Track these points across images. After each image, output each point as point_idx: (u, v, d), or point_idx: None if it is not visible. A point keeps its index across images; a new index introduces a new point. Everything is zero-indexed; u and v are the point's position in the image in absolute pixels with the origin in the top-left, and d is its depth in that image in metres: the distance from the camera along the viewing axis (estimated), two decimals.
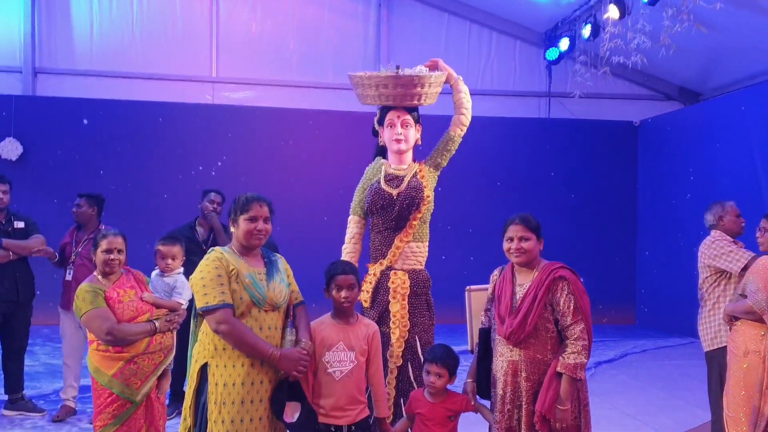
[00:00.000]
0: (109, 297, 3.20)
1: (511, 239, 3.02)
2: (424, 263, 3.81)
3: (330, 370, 2.90)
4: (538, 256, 3.06)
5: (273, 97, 9.71)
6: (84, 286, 3.23)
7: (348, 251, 3.82)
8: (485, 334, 3.11)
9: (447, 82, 3.84)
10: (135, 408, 3.13)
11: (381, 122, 3.81)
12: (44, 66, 9.28)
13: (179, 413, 4.95)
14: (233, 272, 2.72)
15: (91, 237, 5.11)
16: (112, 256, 3.27)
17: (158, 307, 3.31)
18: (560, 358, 2.87)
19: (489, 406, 3.12)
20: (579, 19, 9.15)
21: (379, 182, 3.74)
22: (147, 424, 3.18)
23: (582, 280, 3.07)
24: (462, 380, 3.19)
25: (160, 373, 3.25)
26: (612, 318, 9.73)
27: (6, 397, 5.09)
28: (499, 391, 2.97)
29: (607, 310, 9.65)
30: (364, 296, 3.69)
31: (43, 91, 9.20)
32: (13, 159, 8.45)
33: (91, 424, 4.79)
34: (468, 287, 3.52)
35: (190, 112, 9.22)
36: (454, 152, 3.85)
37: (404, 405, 3.53)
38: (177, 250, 3.55)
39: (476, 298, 3.45)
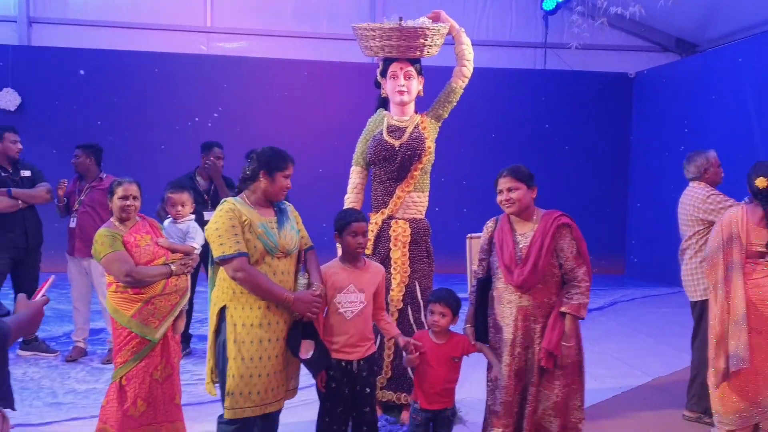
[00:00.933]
0: (126, 241, 3.30)
1: (501, 191, 3.15)
2: (424, 213, 3.95)
3: (341, 310, 3.06)
4: (532, 205, 3.18)
5: (267, 47, 9.66)
6: (102, 231, 3.33)
7: (350, 201, 3.95)
8: (483, 284, 3.24)
9: (449, 33, 3.90)
10: (153, 346, 3.27)
11: (384, 74, 3.88)
12: (38, 16, 9.18)
13: (187, 353, 5.16)
14: (246, 222, 2.82)
15: (92, 185, 5.22)
16: (128, 203, 3.36)
17: (173, 251, 3.42)
18: (563, 299, 3.04)
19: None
20: None
21: (381, 133, 3.83)
22: (164, 361, 3.32)
23: None
24: (461, 326, 3.33)
25: (176, 313, 3.38)
26: (602, 268, 9.92)
27: (20, 339, 5.27)
28: (508, 336, 3.08)
29: (597, 260, 9.75)
30: (366, 244, 3.82)
31: (38, 41, 9.14)
32: (12, 109, 8.46)
33: (102, 363, 5.02)
34: (469, 235, 3.66)
35: (185, 63, 9.18)
36: (455, 103, 3.94)
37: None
38: (186, 197, 3.66)
39: (476, 245, 3.59)
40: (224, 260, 2.79)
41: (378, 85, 3.97)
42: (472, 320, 3.25)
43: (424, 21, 3.81)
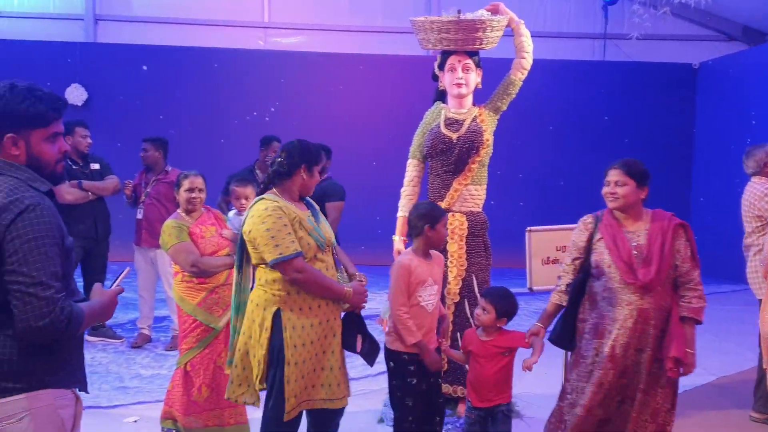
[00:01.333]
0: (192, 232, 3.41)
1: (608, 183, 3.03)
2: (481, 206, 3.92)
3: (422, 303, 3.02)
4: (640, 204, 3.06)
5: (324, 41, 9.75)
6: (170, 222, 3.45)
7: (407, 194, 3.96)
8: (579, 285, 3.05)
9: (508, 26, 3.86)
10: (216, 334, 3.37)
11: (442, 67, 3.87)
12: (104, 13, 9.51)
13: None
14: (296, 220, 2.73)
15: (159, 179, 5.38)
16: (194, 195, 3.48)
17: (236, 243, 3.50)
18: (681, 303, 2.91)
19: (571, 356, 3.14)
20: None
21: (438, 126, 3.83)
22: (227, 348, 3.37)
23: None
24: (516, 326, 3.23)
25: None
26: None
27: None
28: (618, 340, 2.90)
29: None
30: None
31: (103, 38, 9.47)
32: (79, 104, 8.79)
33: (165, 350, 5.19)
34: (528, 228, 3.62)
35: (243, 58, 9.34)
36: (514, 96, 3.89)
37: (461, 339, 3.71)
38: (250, 190, 3.71)
39: (536, 239, 3.56)
40: (283, 262, 2.65)
41: (435, 78, 3.96)
42: (548, 321, 3.12)
43: (482, 13, 3.78)
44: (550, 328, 3.16)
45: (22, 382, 1.76)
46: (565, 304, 3.10)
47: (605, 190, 3.03)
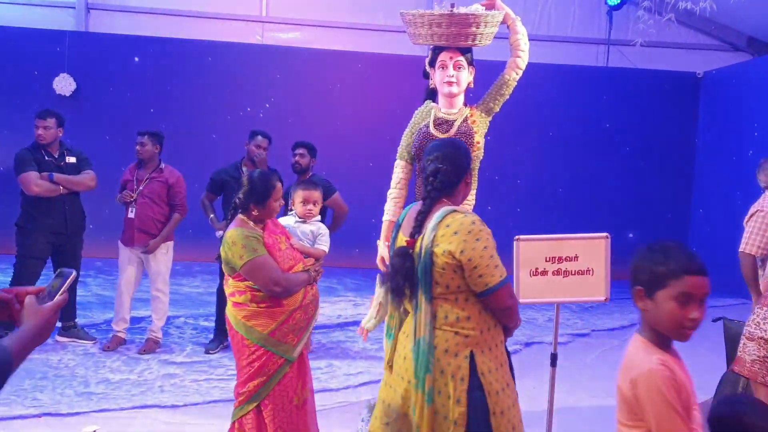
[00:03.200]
0: (266, 244, 2.87)
1: None
2: (471, 211, 3.72)
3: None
4: None
5: (322, 38, 9.56)
6: (241, 231, 2.85)
7: (393, 196, 3.76)
8: None
9: (504, 22, 3.66)
10: (289, 365, 2.83)
11: (432, 63, 3.67)
12: (96, 2, 9.31)
13: (224, 347, 5.07)
14: None
15: (153, 176, 5.16)
16: (279, 203, 2.99)
17: (306, 255, 3.07)
18: None
19: None
20: None
21: (427, 126, 3.63)
22: (300, 382, 2.91)
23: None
24: None
25: (312, 328, 2.99)
26: None
27: (60, 324, 5.28)
28: None
29: None
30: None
31: (95, 28, 9.26)
32: (67, 94, 8.57)
33: (138, 354, 4.97)
34: (517, 237, 3.42)
35: (239, 52, 9.15)
36: (507, 97, 3.69)
37: None
38: (318, 195, 3.31)
39: (525, 248, 3.36)
40: (502, 287, 2.25)
41: (426, 76, 3.76)
42: None
43: (477, 8, 3.58)
44: None
45: None
46: None
47: None
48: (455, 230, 2.27)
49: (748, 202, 4.14)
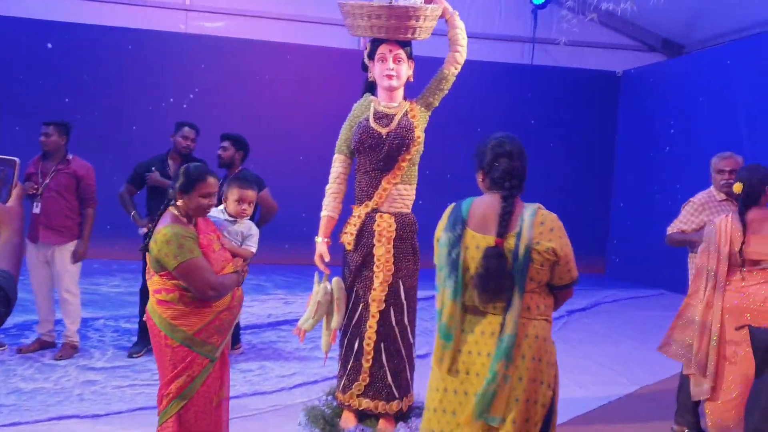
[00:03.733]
0: (201, 245, 2.73)
1: None
2: (411, 207, 3.69)
3: None
4: None
5: (249, 28, 9.31)
6: (178, 229, 2.68)
7: (332, 191, 3.67)
8: None
9: (442, 16, 3.63)
10: (212, 365, 2.76)
11: (372, 56, 3.59)
12: None
13: (149, 350, 4.83)
14: None
15: (59, 168, 4.85)
16: (208, 201, 2.80)
17: (234, 255, 2.94)
18: None
19: None
20: None
21: (367, 120, 3.56)
22: (220, 382, 2.84)
23: None
24: None
25: (233, 327, 2.93)
26: (582, 266, 9.65)
27: None
28: None
29: (577, 258, 9.52)
30: (348, 239, 3.55)
31: (5, 11, 8.66)
32: None
33: (54, 359, 4.66)
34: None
35: (162, 41, 8.81)
36: (446, 92, 3.67)
37: (385, 350, 3.46)
38: (254, 195, 3.12)
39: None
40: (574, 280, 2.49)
41: (365, 68, 3.69)
42: None
43: (416, 1, 3.53)
44: None
45: None
46: None
47: None
48: (551, 227, 2.35)
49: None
